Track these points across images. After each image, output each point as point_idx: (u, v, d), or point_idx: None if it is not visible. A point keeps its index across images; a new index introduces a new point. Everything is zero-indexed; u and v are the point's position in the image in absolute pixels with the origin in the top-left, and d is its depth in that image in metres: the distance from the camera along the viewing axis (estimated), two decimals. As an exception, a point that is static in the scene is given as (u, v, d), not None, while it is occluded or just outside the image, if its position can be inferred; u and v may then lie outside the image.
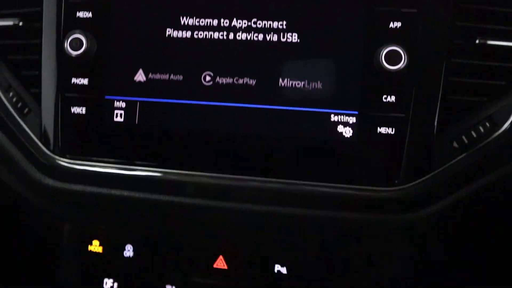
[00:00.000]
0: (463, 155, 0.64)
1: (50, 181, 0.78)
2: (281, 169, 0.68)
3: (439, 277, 0.85)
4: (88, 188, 0.76)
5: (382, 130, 0.65)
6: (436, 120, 0.64)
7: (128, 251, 0.83)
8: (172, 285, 0.82)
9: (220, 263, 0.79)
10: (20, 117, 0.78)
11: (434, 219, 0.64)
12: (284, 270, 0.77)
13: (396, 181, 0.65)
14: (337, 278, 0.76)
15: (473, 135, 0.63)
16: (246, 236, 0.78)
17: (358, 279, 0.76)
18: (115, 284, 0.85)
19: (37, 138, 0.77)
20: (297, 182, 0.68)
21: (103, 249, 0.85)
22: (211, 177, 0.70)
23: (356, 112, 0.65)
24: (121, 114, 0.72)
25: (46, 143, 0.76)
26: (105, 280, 0.85)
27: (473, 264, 0.78)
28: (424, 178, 0.64)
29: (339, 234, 0.70)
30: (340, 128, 0.66)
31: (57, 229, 0.88)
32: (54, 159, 0.77)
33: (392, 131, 0.64)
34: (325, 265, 0.76)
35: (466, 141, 0.64)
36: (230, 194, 0.70)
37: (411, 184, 0.64)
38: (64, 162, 0.77)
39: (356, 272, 0.76)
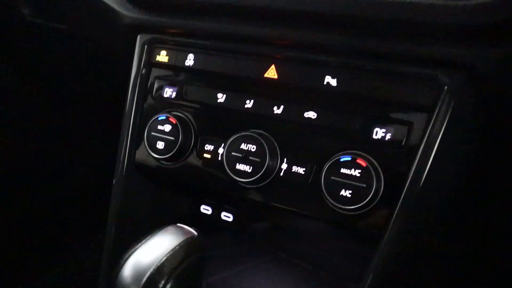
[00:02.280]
0: None
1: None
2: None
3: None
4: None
5: None
6: None
7: (190, 60, 0.87)
8: (223, 93, 0.83)
9: (271, 73, 0.79)
10: None
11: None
12: (334, 83, 0.74)
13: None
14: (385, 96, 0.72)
15: None
16: (300, 44, 0.77)
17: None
18: (174, 94, 0.89)
19: None
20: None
21: (169, 59, 0.90)
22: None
23: None
24: None
25: None
26: (166, 89, 0.90)
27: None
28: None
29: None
30: None
31: (132, 41, 0.94)
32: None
33: None
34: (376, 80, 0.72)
35: None
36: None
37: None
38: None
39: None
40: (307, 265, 1.05)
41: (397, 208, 0.69)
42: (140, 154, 0.91)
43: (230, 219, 0.97)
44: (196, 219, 1.02)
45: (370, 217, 0.72)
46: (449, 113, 0.68)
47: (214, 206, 0.99)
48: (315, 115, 0.76)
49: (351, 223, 0.73)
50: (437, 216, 0.74)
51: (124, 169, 0.92)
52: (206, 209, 1.01)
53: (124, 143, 0.91)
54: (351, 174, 0.70)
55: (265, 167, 0.75)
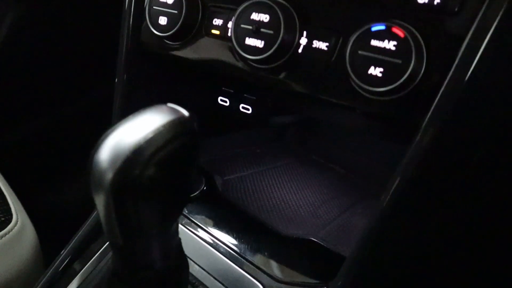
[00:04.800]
0: None
1: None
2: None
3: None
4: None
5: None
6: None
7: None
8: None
9: None
10: None
11: None
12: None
13: None
14: None
15: None
16: None
17: None
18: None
19: None
20: None
21: None
22: None
23: None
24: None
25: None
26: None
27: None
28: None
29: None
30: None
31: None
32: None
33: None
34: None
35: None
36: None
37: None
38: None
39: None
40: (338, 168, 0.94)
41: (437, 98, 0.54)
42: (143, 34, 0.79)
43: (249, 111, 0.87)
44: (214, 112, 0.92)
45: (402, 106, 0.58)
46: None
47: (232, 96, 0.88)
48: (343, -26, 0.60)
49: (379, 111, 0.60)
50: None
51: (127, 52, 0.81)
52: (223, 101, 0.90)
53: (126, 20, 0.80)
54: (384, 47, 0.56)
55: (278, 41, 0.62)
